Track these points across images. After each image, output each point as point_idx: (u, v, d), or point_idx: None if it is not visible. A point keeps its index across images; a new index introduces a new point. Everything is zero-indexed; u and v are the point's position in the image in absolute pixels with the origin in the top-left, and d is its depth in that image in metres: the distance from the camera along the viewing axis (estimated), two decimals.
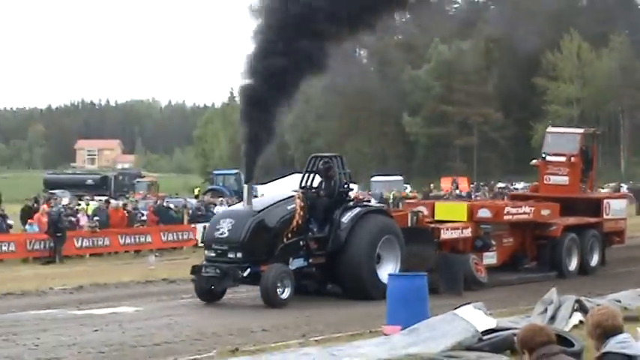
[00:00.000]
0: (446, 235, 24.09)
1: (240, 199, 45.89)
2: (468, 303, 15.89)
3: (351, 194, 25.18)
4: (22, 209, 39.51)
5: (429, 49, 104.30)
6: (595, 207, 28.73)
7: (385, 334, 15.87)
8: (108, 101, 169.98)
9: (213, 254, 21.67)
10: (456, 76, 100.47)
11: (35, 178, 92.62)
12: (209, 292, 21.84)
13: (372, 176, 73.32)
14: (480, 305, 15.50)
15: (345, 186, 23.52)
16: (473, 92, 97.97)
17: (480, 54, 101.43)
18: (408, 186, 69.24)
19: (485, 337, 14.30)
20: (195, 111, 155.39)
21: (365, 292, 22.00)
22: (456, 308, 15.41)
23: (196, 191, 61.49)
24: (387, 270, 21.96)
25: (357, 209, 23.08)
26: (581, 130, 31.30)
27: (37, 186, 71.92)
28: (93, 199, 48.68)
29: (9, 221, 37.02)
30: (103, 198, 52.25)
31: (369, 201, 31.20)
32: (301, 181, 23.99)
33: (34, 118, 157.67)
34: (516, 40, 78.67)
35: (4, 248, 33.51)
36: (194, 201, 50.30)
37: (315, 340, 16.22)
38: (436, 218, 25.39)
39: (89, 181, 77.50)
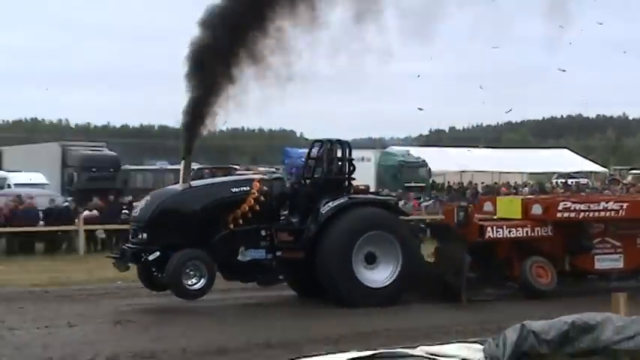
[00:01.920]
0: (498, 233, 15.93)
1: None
2: None
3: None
4: None
5: None
6: None
7: None
8: None
9: (130, 235, 15.63)
10: None
11: None
12: (150, 278, 15.31)
13: None
14: None
15: (339, 174, 15.83)
16: None
17: None
18: None
19: None
20: None
21: (340, 296, 14.57)
22: None
23: None
24: (384, 271, 15.08)
25: (343, 199, 15.24)
26: None
27: None
28: None
29: None
30: None
31: (377, 193, 20.02)
32: (304, 167, 16.94)
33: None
34: None
35: None
36: None
37: None
38: (498, 215, 17.23)
39: None
